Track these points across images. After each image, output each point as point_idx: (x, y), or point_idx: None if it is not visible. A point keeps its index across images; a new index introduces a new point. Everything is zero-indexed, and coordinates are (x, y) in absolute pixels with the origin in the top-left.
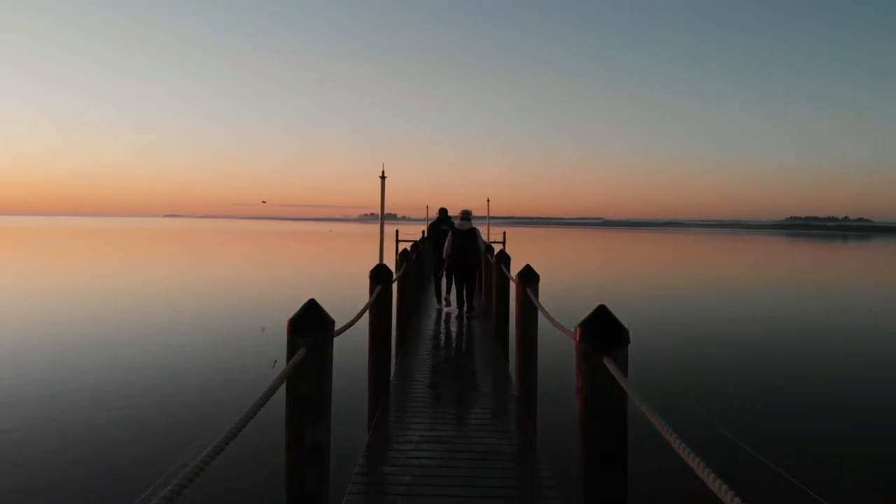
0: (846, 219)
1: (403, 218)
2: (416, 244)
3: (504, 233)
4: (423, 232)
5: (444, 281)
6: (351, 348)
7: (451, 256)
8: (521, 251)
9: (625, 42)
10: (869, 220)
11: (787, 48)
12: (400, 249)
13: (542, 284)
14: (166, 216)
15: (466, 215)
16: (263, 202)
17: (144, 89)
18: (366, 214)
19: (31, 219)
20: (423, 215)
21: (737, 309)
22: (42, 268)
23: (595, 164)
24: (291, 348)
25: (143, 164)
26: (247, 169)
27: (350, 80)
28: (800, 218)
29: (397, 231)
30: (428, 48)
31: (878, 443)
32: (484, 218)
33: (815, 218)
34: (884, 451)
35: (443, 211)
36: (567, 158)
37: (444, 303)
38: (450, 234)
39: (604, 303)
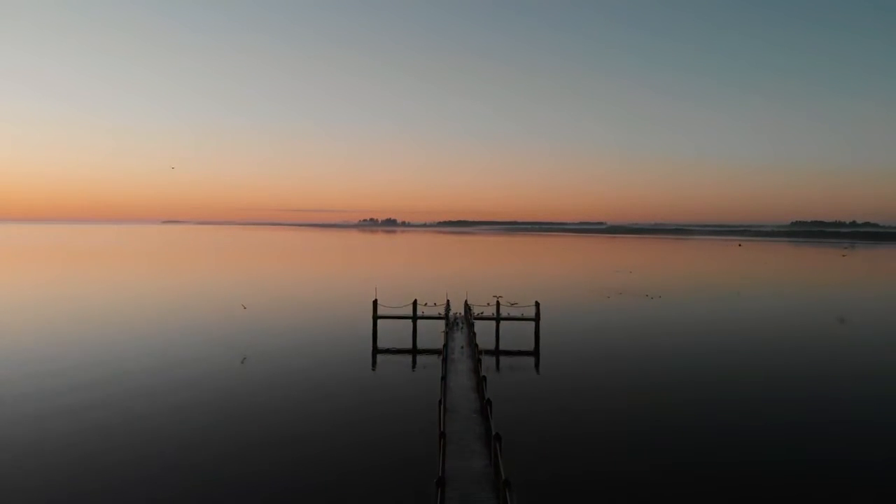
0: (853, 223)
1: (403, 223)
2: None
3: (537, 304)
4: (415, 305)
5: None
6: None
7: None
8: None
9: (624, 40)
10: (877, 225)
11: (791, 48)
12: (380, 329)
13: None
14: (164, 222)
15: None
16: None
17: (145, 92)
18: (366, 220)
19: (33, 226)
20: (424, 220)
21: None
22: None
23: (594, 165)
24: None
25: (132, 168)
26: (242, 171)
27: (349, 80)
28: (805, 222)
29: (375, 302)
30: (425, 52)
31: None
32: (486, 223)
33: (821, 222)
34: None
35: None
36: (566, 158)
37: None
38: None
39: None
